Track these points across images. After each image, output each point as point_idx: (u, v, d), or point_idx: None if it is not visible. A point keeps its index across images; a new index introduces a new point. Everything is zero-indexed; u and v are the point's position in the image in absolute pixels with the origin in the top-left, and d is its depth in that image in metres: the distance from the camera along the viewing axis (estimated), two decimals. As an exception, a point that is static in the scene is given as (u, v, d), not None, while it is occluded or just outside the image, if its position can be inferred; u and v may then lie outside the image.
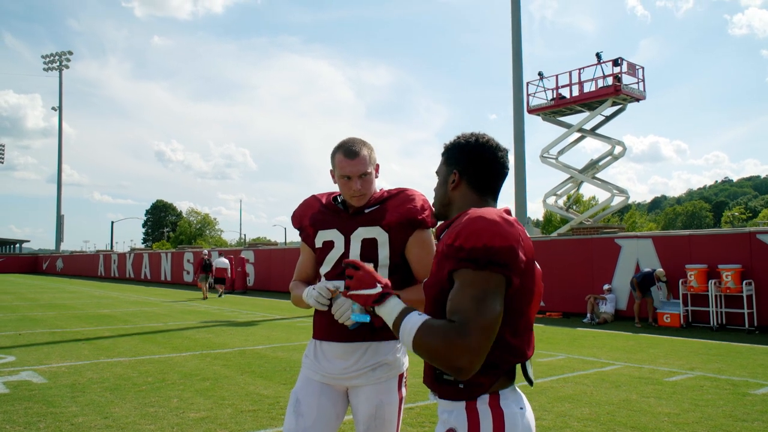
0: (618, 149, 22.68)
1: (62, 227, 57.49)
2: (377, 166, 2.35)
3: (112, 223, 65.96)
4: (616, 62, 21.21)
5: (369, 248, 2.28)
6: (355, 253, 2.28)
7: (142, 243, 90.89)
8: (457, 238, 1.53)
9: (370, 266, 1.76)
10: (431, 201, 1.91)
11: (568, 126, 23.38)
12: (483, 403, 1.57)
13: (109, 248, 58.88)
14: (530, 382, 1.65)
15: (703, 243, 12.12)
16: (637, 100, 22.01)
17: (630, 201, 26.27)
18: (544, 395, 5.86)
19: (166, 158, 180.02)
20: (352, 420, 2.36)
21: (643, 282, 12.19)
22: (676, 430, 4.77)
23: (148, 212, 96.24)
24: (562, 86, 22.59)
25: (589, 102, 22.00)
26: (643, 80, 22.04)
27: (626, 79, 21.51)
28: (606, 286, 13.19)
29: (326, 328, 2.30)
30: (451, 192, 1.76)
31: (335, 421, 2.32)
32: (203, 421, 5.00)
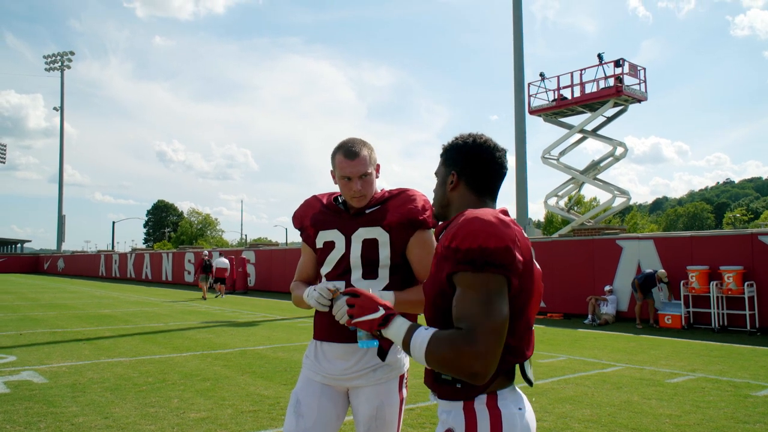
0: (619, 150, 22.68)
1: (63, 227, 57.56)
2: (378, 166, 2.35)
3: (114, 223, 66.18)
4: (617, 63, 21.21)
5: (370, 248, 2.27)
6: (356, 254, 2.28)
7: (144, 243, 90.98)
8: (453, 240, 1.54)
9: (368, 291, 1.76)
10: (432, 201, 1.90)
11: (569, 127, 23.38)
12: (480, 403, 1.57)
13: (110, 248, 58.93)
14: (529, 383, 1.64)
15: (705, 244, 12.10)
16: (639, 101, 22.00)
17: (631, 202, 26.26)
18: (545, 396, 5.85)
19: (168, 158, 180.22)
20: (352, 421, 2.35)
21: (644, 283, 12.17)
22: (678, 431, 4.76)
23: (149, 212, 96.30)
24: (564, 87, 22.59)
25: (590, 103, 22.00)
26: (645, 81, 22.04)
27: (628, 80, 21.51)
28: (607, 288, 13.18)
29: (327, 328, 2.29)
30: (450, 193, 1.76)
31: (336, 422, 2.31)
32: (204, 421, 4.99)
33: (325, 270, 2.36)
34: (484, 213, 1.56)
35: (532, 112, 23.30)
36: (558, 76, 22.83)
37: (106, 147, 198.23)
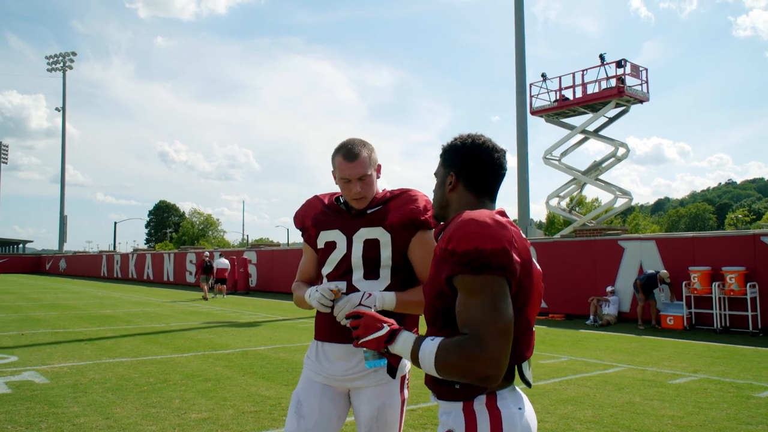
0: (621, 151, 22.66)
1: (65, 228, 57.70)
2: (379, 166, 2.34)
3: (115, 223, 66.13)
4: (619, 64, 21.19)
5: (371, 249, 2.26)
6: (357, 254, 2.27)
7: (145, 244, 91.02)
8: (449, 242, 1.54)
9: (370, 310, 1.76)
10: None
11: (571, 127, 23.36)
12: (480, 404, 1.57)
13: (112, 249, 58.96)
14: (527, 384, 1.64)
15: (707, 245, 12.08)
16: (641, 101, 21.98)
17: (633, 203, 26.22)
18: (546, 397, 5.84)
19: (170, 159, 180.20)
20: (353, 422, 2.34)
21: (646, 284, 12.16)
22: (680, 433, 4.74)
23: (151, 213, 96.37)
24: (566, 88, 22.58)
25: (592, 103, 21.98)
26: (647, 82, 22.03)
27: (630, 81, 21.49)
28: (609, 288, 13.16)
29: (328, 329, 2.29)
30: (449, 194, 1.76)
31: (337, 423, 2.30)
32: (205, 421, 4.99)
33: (326, 270, 2.35)
34: (480, 214, 1.55)
35: (534, 112, 23.28)
36: (560, 77, 22.83)
37: (107, 147, 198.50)
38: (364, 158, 2.24)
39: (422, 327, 1.89)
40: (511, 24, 21.16)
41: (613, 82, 21.34)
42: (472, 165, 1.72)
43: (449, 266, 1.53)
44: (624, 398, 5.84)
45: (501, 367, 1.45)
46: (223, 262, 20.73)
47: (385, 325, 1.68)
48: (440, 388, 1.63)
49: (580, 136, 23.49)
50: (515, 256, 1.52)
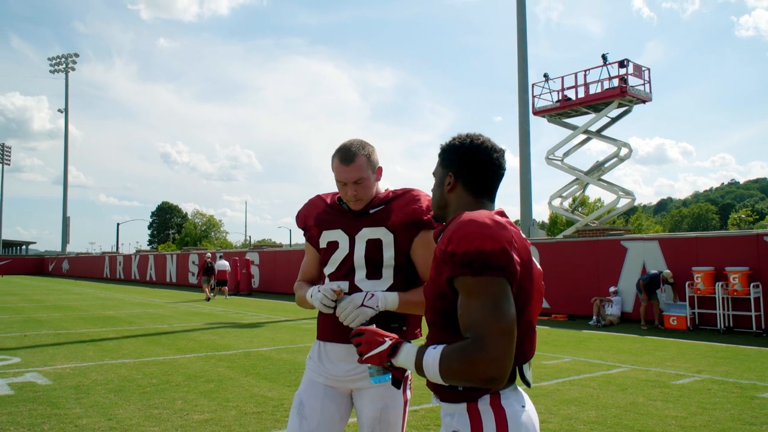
0: (624, 151, 22.62)
1: (68, 229, 57.74)
2: (379, 169, 2.32)
3: (118, 224, 66.04)
4: (622, 64, 21.17)
5: (373, 249, 2.25)
6: (359, 254, 2.26)
7: (148, 245, 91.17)
8: (449, 244, 1.53)
9: (371, 326, 1.76)
10: None
11: (573, 128, 23.33)
12: (484, 404, 1.57)
13: (114, 250, 59.04)
14: (527, 384, 1.64)
15: (710, 245, 12.05)
16: (643, 101, 21.95)
17: (636, 203, 26.16)
18: (549, 398, 5.82)
19: (172, 160, 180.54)
20: (356, 423, 2.33)
21: (649, 284, 12.13)
22: (684, 433, 4.73)
23: (153, 214, 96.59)
24: (568, 88, 22.55)
25: (594, 104, 21.95)
26: (649, 82, 21.99)
27: (632, 81, 21.47)
28: (612, 289, 13.13)
29: (330, 329, 2.28)
30: (448, 194, 1.75)
31: (339, 424, 2.29)
32: (207, 422, 4.98)
33: (328, 270, 2.34)
34: (479, 215, 1.54)
35: (536, 113, 23.26)
36: (562, 77, 22.81)
37: (110, 149, 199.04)
38: (360, 161, 2.23)
39: (423, 328, 1.89)
40: (513, 24, 21.15)
41: (615, 82, 21.31)
42: (471, 165, 1.71)
43: (449, 268, 1.53)
44: (627, 399, 5.82)
45: (505, 367, 1.44)
46: (223, 264, 20.75)
47: (386, 339, 1.67)
48: (443, 389, 1.62)
49: (583, 137, 23.46)
50: (515, 257, 1.51)
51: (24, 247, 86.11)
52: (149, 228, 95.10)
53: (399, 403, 2.25)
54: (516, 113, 20.68)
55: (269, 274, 24.33)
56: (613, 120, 22.91)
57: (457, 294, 1.54)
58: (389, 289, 2.22)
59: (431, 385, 1.67)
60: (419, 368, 1.57)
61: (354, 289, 2.23)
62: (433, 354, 1.53)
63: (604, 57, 21.53)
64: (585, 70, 22.13)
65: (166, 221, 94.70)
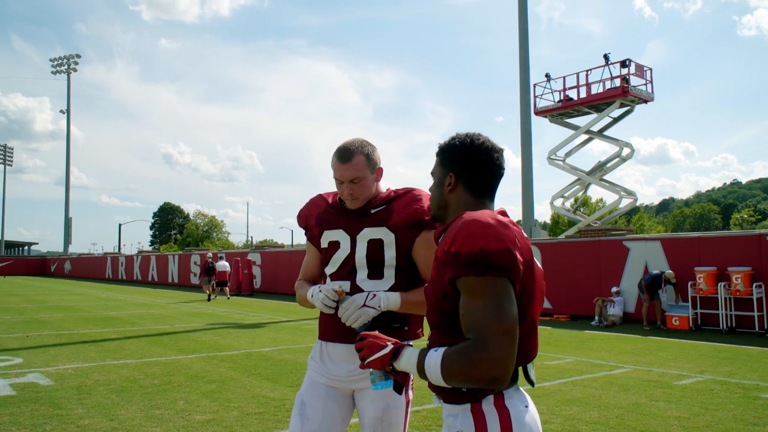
0: (626, 151, 22.60)
1: (70, 230, 57.81)
2: (379, 169, 2.31)
3: (120, 225, 66.06)
4: (623, 64, 21.15)
5: (375, 249, 2.25)
6: (361, 254, 2.25)
7: (150, 245, 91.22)
8: (452, 244, 1.52)
9: (374, 332, 1.76)
10: None
11: (575, 128, 23.32)
12: (488, 404, 1.56)
13: (116, 250, 59.09)
14: (531, 384, 1.64)
15: (712, 245, 12.03)
16: (645, 101, 21.93)
17: (638, 203, 26.16)
18: (551, 399, 5.81)
19: (174, 161, 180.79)
20: (358, 423, 2.33)
21: (651, 284, 12.11)
22: (686, 434, 4.71)
23: (155, 215, 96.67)
24: (570, 88, 22.54)
25: (596, 104, 21.94)
26: (651, 82, 21.97)
27: (634, 81, 21.46)
28: (614, 289, 13.11)
29: (332, 329, 2.27)
30: (448, 195, 1.74)
31: (341, 424, 2.29)
32: (209, 423, 4.98)
33: (329, 270, 2.34)
34: (482, 215, 1.54)
35: (538, 113, 23.25)
36: (564, 77, 22.81)
37: (112, 149, 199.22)
38: (358, 160, 2.22)
39: (425, 327, 1.88)
40: (515, 24, 21.12)
41: (617, 82, 21.30)
42: (471, 166, 1.70)
43: (452, 268, 1.52)
44: (630, 399, 5.81)
45: (507, 367, 1.44)
46: (223, 265, 20.77)
47: (388, 343, 1.67)
48: (446, 391, 1.62)
49: (585, 137, 23.44)
50: (518, 256, 1.51)
51: (26, 247, 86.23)
52: (151, 229, 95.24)
53: (401, 404, 2.24)
54: (517, 113, 20.66)
55: (271, 275, 24.34)
56: (615, 120, 22.90)
57: (459, 295, 1.53)
58: (391, 290, 2.22)
59: (433, 387, 1.66)
60: (421, 372, 1.57)
61: (356, 289, 2.22)
62: (435, 357, 1.52)
63: (605, 57, 21.51)
64: (587, 70, 22.14)
65: (168, 222, 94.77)
